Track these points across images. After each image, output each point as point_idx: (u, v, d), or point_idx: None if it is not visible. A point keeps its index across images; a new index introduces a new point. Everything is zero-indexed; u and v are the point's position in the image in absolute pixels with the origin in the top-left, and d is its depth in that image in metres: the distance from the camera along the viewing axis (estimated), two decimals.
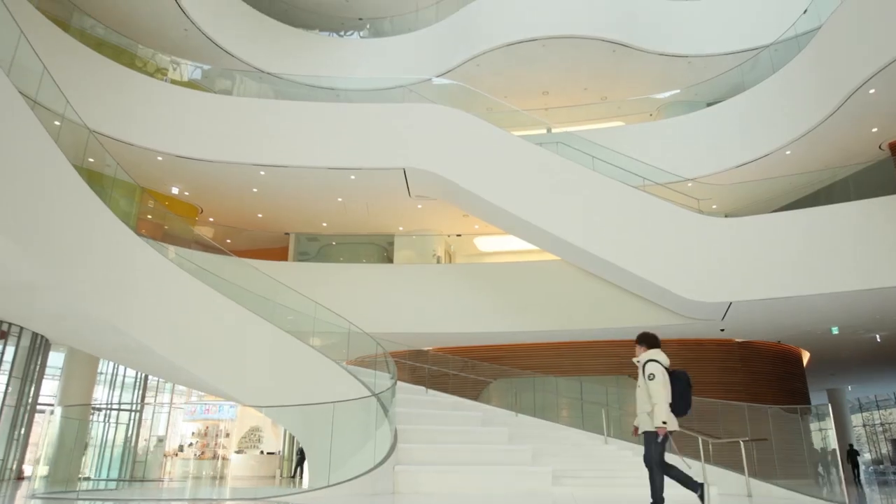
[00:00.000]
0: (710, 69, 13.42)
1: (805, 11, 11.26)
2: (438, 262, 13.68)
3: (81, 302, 7.03)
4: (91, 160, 9.68)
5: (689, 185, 11.58)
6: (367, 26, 16.71)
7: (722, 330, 11.22)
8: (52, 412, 11.92)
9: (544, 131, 13.54)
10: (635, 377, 4.63)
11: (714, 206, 11.95)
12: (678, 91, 14.10)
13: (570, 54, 13.15)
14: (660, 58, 13.25)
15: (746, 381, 12.04)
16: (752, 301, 9.57)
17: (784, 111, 10.83)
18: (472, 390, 11.95)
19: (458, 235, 14.23)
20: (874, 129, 9.91)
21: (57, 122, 8.49)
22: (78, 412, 12.26)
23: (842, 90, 9.21)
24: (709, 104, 13.07)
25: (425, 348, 12.69)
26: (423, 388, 10.12)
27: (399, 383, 8.48)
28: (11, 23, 6.97)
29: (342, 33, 16.57)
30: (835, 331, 11.35)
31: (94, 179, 9.41)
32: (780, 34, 12.04)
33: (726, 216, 11.29)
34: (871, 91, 8.90)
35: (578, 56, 13.21)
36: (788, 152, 10.78)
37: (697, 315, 10.44)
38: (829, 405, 14.26)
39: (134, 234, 8.53)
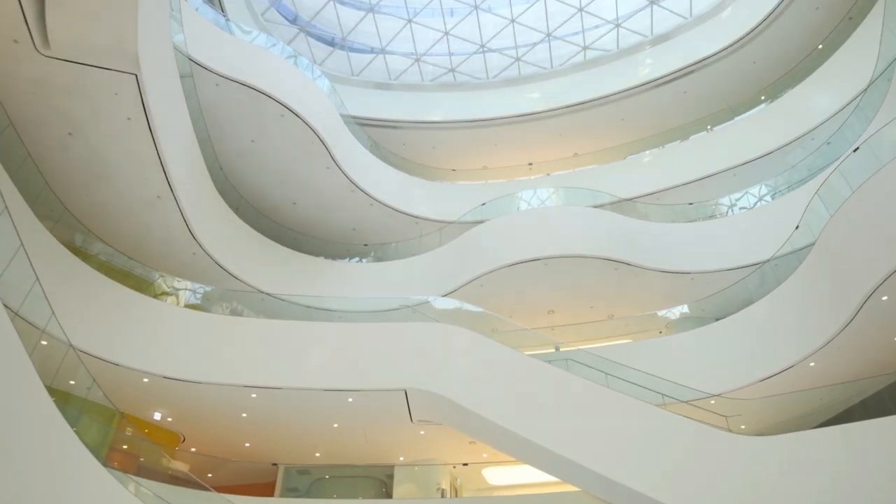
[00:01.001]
0: (712, 285, 13.45)
1: (797, 227, 11.60)
2: (443, 496, 12.26)
3: None
4: (72, 382, 9.18)
5: (713, 402, 10.78)
6: (372, 253, 17.38)
7: None
8: None
9: (552, 350, 13.13)
10: None
11: (743, 427, 10.97)
12: (686, 309, 14.03)
13: (573, 273, 13.34)
14: (662, 274, 13.40)
15: None
16: None
17: (797, 323, 10.50)
18: None
19: (465, 465, 12.95)
20: None
21: (44, 342, 8.19)
22: None
23: (852, 300, 8.99)
24: (717, 319, 12.85)
25: None
26: None
27: None
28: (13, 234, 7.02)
29: (348, 259, 17.15)
30: None
31: (70, 402, 8.83)
32: (776, 250, 12.28)
33: (758, 435, 10.28)
34: (884, 298, 8.66)
35: (581, 274, 13.39)
36: (812, 364, 10.19)
37: None
38: None
39: (102, 466, 7.66)
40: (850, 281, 9.11)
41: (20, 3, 7.40)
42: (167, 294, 12.55)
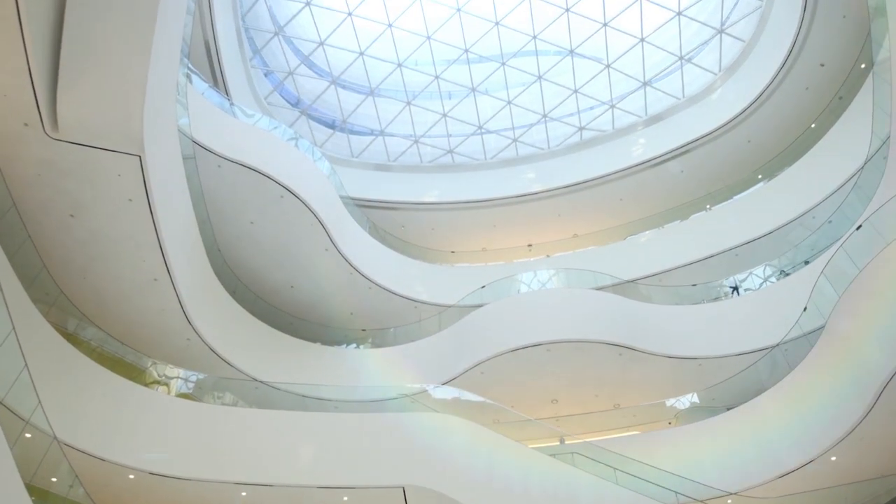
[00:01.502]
0: (721, 371, 13.03)
1: (805, 309, 11.36)
2: None
3: None
4: (53, 479, 8.70)
5: (729, 501, 10.19)
6: (370, 339, 17.01)
7: None
8: None
9: (557, 442, 12.58)
10: None
11: None
12: (695, 398, 13.57)
13: (577, 358, 12.97)
14: (668, 360, 13.01)
15: None
16: None
17: (813, 413, 10.07)
18: None
19: None
20: None
21: (28, 434, 7.80)
22: None
23: (870, 387, 8.65)
24: (729, 409, 12.38)
25: None
26: None
27: None
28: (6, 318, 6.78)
29: (345, 345, 16.75)
30: None
31: (50, 501, 8.38)
32: (784, 333, 11.98)
33: None
34: None
35: (585, 360, 13.02)
36: (834, 458, 9.68)
37: None
38: None
39: None
40: (865, 365, 8.82)
41: (33, 87, 7.47)
42: (158, 383, 12.10)
